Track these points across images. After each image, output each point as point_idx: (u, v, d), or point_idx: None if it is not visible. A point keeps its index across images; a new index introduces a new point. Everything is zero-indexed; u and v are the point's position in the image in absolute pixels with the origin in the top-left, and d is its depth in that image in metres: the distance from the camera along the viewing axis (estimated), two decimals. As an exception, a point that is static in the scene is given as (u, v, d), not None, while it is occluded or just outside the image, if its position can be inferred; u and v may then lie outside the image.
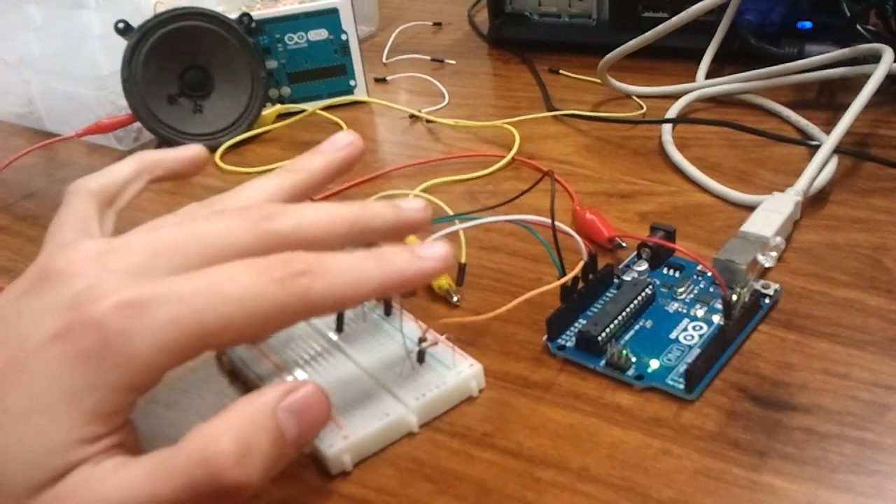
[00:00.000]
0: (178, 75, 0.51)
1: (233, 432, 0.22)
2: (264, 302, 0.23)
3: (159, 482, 0.21)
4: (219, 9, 0.51)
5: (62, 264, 0.23)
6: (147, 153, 0.32)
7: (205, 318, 0.22)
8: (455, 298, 0.34)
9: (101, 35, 0.59)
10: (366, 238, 0.27)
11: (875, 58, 0.43)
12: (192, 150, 0.32)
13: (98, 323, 0.21)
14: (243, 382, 0.31)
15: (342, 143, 0.31)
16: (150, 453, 0.22)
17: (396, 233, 0.28)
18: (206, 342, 0.22)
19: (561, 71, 0.57)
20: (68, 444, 0.21)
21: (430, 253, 0.26)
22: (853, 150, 0.42)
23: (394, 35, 0.68)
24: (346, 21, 0.55)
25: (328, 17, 0.54)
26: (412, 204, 0.28)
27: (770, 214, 0.35)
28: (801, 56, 0.49)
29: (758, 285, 0.32)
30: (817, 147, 0.39)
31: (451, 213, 0.40)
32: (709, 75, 0.52)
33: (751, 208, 0.36)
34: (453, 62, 0.63)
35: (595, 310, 0.32)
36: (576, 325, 0.31)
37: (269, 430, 0.22)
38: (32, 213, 0.47)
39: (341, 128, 0.52)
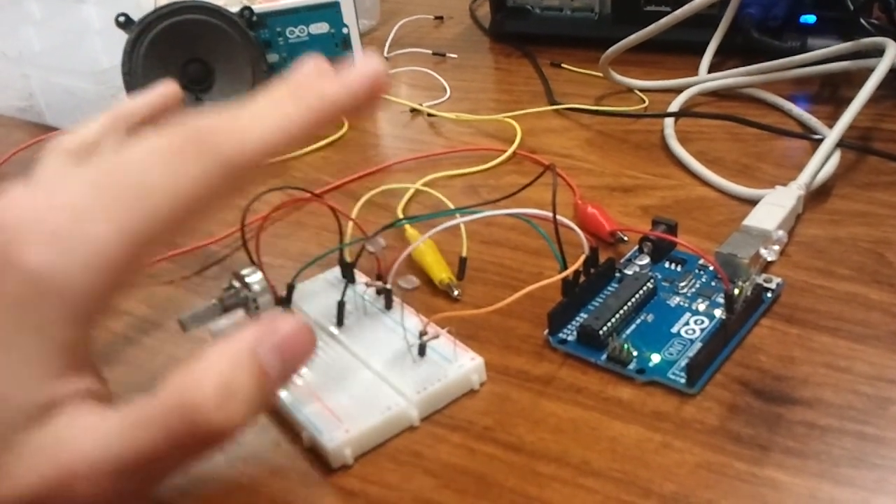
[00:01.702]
0: (179, 69, 0.51)
1: (213, 375, 0.21)
2: (184, 184, 0.22)
3: (139, 432, 0.20)
4: (220, 2, 0.51)
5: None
6: (118, 104, 0.30)
7: (129, 225, 0.22)
8: (456, 292, 0.34)
9: (101, 29, 0.59)
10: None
11: (878, 52, 0.43)
12: (161, 88, 0.30)
13: (23, 264, 0.21)
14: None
15: (367, 72, 0.26)
16: (129, 403, 0.21)
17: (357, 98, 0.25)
18: (138, 250, 0.22)
19: (563, 65, 0.57)
20: (32, 387, 0.21)
21: (363, 69, 0.25)
22: (856, 144, 0.41)
23: (395, 29, 0.68)
24: (348, 15, 0.54)
25: (329, 11, 0.54)
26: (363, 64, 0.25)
27: (772, 208, 0.35)
28: (804, 50, 0.49)
29: (760, 279, 0.32)
30: (820, 141, 0.39)
31: (452, 206, 0.40)
32: (711, 69, 0.52)
33: (753, 202, 0.36)
34: (455, 56, 0.62)
35: (596, 304, 0.32)
36: (577, 318, 0.31)
37: (251, 371, 0.21)
38: (33, 207, 0.47)
39: (342, 122, 0.52)
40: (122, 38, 0.49)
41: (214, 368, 0.21)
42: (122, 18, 0.48)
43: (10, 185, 0.24)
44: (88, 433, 0.21)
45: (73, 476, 0.20)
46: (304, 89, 0.25)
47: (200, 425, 0.20)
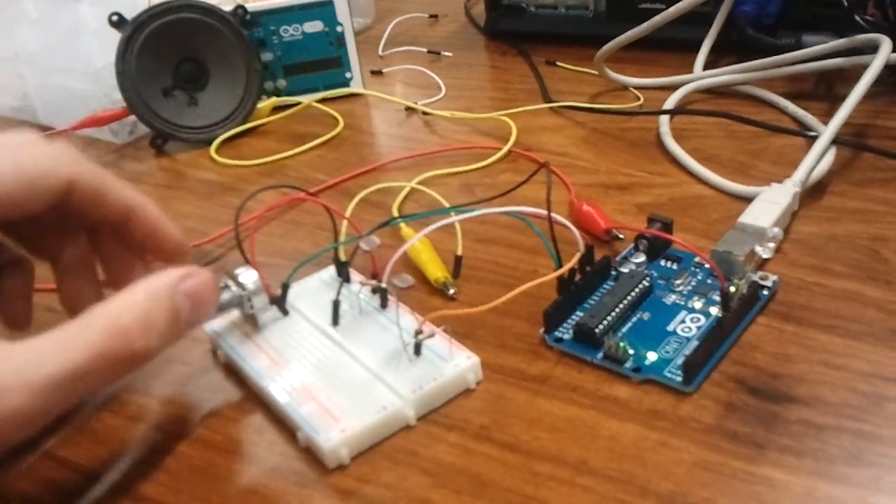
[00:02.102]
0: (173, 68, 0.51)
1: (136, 308, 0.24)
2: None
3: (74, 352, 0.23)
4: (213, 1, 0.51)
5: None
6: None
7: None
8: (451, 291, 0.34)
9: (95, 28, 0.59)
10: None
11: (873, 48, 0.43)
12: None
13: None
14: (238, 377, 0.31)
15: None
16: (53, 330, 0.23)
17: None
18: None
19: (558, 62, 0.57)
20: None
21: None
22: (851, 141, 0.41)
23: (390, 27, 0.68)
24: (342, 13, 0.54)
25: (323, 9, 0.54)
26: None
27: (768, 206, 0.35)
28: (799, 47, 0.49)
29: (756, 277, 0.32)
30: (815, 138, 0.39)
31: (447, 205, 0.40)
32: (706, 66, 0.52)
33: (749, 199, 0.36)
34: (450, 54, 0.62)
35: (592, 302, 0.32)
36: (573, 317, 0.31)
37: (167, 308, 0.25)
38: (27, 208, 0.47)
39: (337, 121, 0.52)
40: (116, 36, 0.49)
41: (138, 301, 0.24)
42: (115, 18, 0.48)
43: None
44: (15, 353, 0.22)
45: (4, 388, 0.22)
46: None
47: (125, 347, 0.23)
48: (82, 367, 0.23)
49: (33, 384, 0.22)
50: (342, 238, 0.35)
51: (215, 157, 0.49)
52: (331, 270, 0.35)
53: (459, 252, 0.35)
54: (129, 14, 0.49)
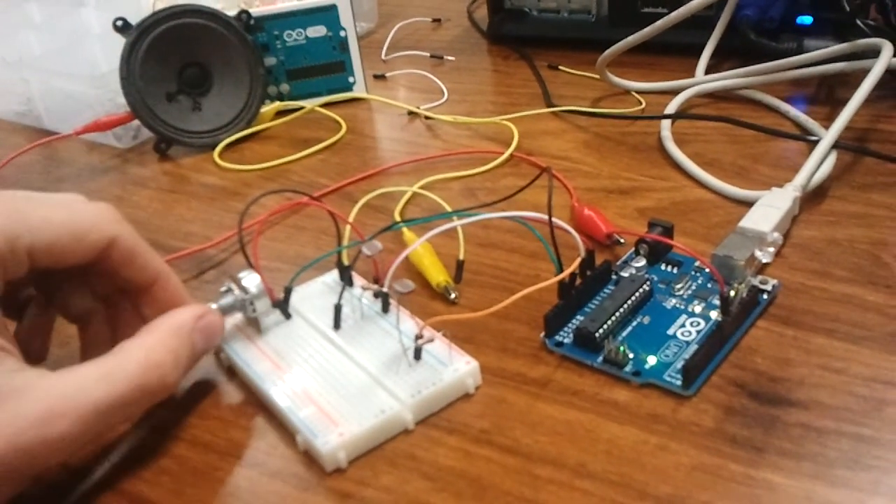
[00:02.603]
0: (177, 73, 0.51)
1: (166, 344, 0.27)
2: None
3: (116, 384, 0.25)
4: (217, 6, 0.51)
5: None
6: None
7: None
8: (453, 295, 0.34)
9: (100, 33, 0.59)
10: None
11: (874, 52, 0.43)
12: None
13: None
14: (240, 380, 0.31)
15: None
16: (93, 362, 0.25)
17: None
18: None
19: (560, 67, 0.57)
20: None
21: None
22: (852, 146, 0.42)
23: (393, 32, 0.68)
24: (345, 17, 0.54)
25: (327, 14, 0.54)
26: None
27: (768, 210, 0.35)
28: (801, 51, 0.49)
29: (756, 281, 0.32)
30: (816, 142, 0.39)
31: (449, 209, 0.40)
32: (708, 71, 0.52)
33: (749, 204, 0.36)
34: (452, 59, 0.62)
35: (593, 306, 0.32)
36: (573, 321, 0.31)
37: (188, 345, 0.28)
38: (32, 212, 0.47)
39: (340, 125, 0.52)
40: (121, 41, 0.49)
41: (165, 339, 0.27)
42: (119, 22, 0.48)
43: None
44: (57, 381, 0.24)
45: (54, 414, 0.23)
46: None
47: (159, 380, 0.26)
48: (123, 397, 0.25)
49: (80, 411, 0.24)
50: (345, 242, 0.35)
51: (219, 161, 0.49)
52: (333, 274, 0.35)
53: (461, 256, 0.36)
54: (134, 19, 0.49)
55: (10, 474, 0.23)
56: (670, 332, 0.30)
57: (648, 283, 0.32)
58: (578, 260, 0.32)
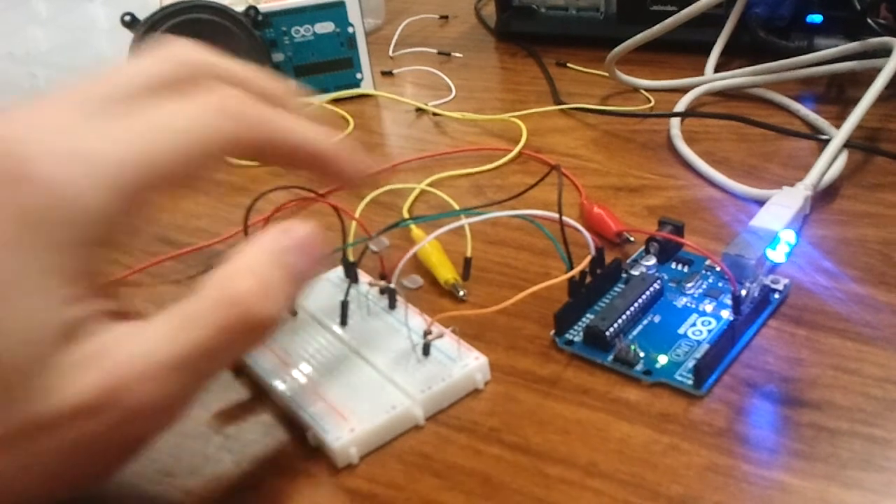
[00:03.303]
0: (184, 68, 0.51)
1: (251, 271, 0.22)
2: (210, 131, 0.23)
3: (192, 329, 0.21)
4: (225, 1, 0.51)
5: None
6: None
7: (152, 155, 0.22)
8: (461, 293, 0.34)
9: (107, 28, 0.59)
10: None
11: (886, 51, 0.43)
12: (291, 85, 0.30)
13: (39, 179, 0.20)
14: (247, 376, 0.31)
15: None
16: (170, 308, 0.22)
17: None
18: (156, 180, 0.22)
19: (568, 64, 0.57)
20: (54, 307, 0.20)
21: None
22: (863, 145, 0.41)
23: (400, 28, 0.68)
24: (353, 14, 0.54)
25: (335, 10, 0.54)
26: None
27: (779, 209, 0.34)
28: (811, 50, 0.48)
29: (767, 280, 0.32)
30: (827, 141, 0.39)
31: (457, 207, 0.40)
32: (717, 69, 0.52)
33: (760, 203, 0.36)
34: (460, 55, 0.62)
35: (603, 304, 0.32)
36: (583, 319, 0.31)
37: (280, 266, 0.23)
38: (38, 206, 0.47)
39: (348, 121, 0.52)
40: (128, 37, 0.49)
41: (250, 265, 0.23)
42: (127, 18, 0.48)
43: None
44: (134, 338, 0.21)
45: (126, 379, 0.20)
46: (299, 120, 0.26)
47: (246, 316, 0.22)
48: (205, 344, 0.21)
49: (156, 369, 0.21)
50: (351, 239, 0.35)
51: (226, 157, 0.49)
52: (338, 271, 0.35)
53: (469, 254, 0.35)
54: (141, 14, 0.49)
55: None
56: (681, 331, 0.30)
57: (659, 281, 0.32)
58: (588, 258, 0.31)
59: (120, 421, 0.21)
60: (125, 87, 0.24)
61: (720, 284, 0.32)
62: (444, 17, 0.72)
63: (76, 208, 0.21)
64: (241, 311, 0.22)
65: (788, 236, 0.33)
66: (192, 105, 0.23)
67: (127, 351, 0.21)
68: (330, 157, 0.27)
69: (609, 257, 0.33)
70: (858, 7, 0.49)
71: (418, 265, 0.35)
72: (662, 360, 0.29)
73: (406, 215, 0.40)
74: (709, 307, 0.31)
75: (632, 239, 0.36)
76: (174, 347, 0.21)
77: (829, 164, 0.38)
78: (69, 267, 0.20)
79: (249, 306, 0.22)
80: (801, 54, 0.47)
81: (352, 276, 0.34)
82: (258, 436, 0.28)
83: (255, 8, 0.51)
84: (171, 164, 0.22)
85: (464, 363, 0.29)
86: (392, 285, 0.31)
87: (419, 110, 0.53)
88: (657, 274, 0.33)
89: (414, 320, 0.30)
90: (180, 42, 0.26)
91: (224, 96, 0.24)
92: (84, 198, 0.21)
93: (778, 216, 0.34)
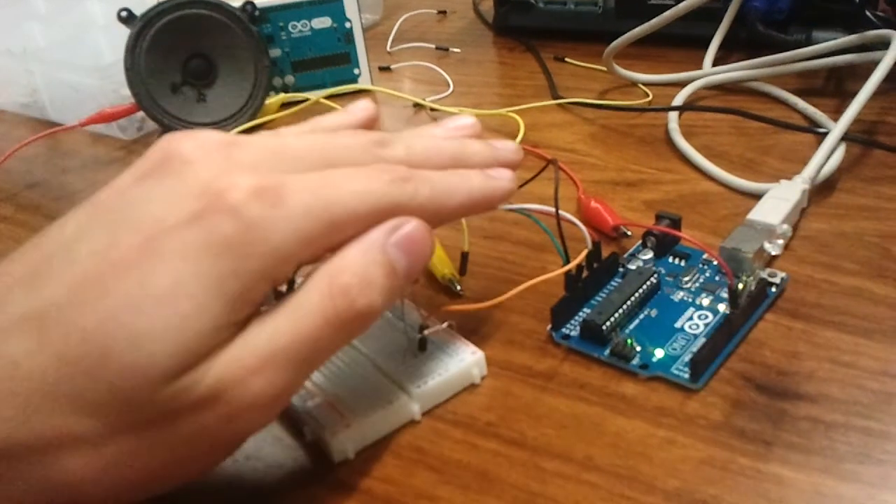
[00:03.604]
0: (182, 64, 0.51)
1: (351, 267, 0.23)
2: (380, 198, 0.24)
3: (299, 321, 0.22)
4: (222, -3, 0.51)
5: (187, 150, 0.23)
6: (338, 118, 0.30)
7: (334, 209, 0.23)
8: (458, 287, 0.34)
9: (104, 24, 0.59)
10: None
11: (884, 44, 0.43)
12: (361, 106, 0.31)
13: (236, 209, 0.22)
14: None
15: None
16: (282, 302, 0.23)
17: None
18: (333, 235, 0.23)
19: (566, 59, 0.57)
20: (211, 330, 0.21)
21: (499, 174, 0.28)
22: (861, 138, 0.41)
23: (398, 23, 0.68)
24: (350, 9, 0.54)
25: (332, 5, 0.54)
26: (507, 145, 0.30)
27: (777, 202, 0.34)
28: (809, 43, 0.48)
29: (764, 274, 0.32)
30: (825, 135, 0.39)
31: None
32: (715, 62, 0.52)
33: (757, 196, 0.36)
34: (458, 50, 0.62)
35: (599, 299, 0.32)
36: (580, 314, 0.31)
37: (381, 264, 0.24)
38: (35, 203, 0.47)
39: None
40: (125, 32, 0.49)
41: (353, 260, 0.23)
42: (124, 13, 0.48)
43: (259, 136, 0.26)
44: (255, 338, 0.22)
45: (239, 374, 0.21)
46: (466, 177, 0.27)
47: (348, 307, 0.23)
48: (312, 334, 0.22)
49: (274, 360, 0.22)
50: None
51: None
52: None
53: (466, 248, 0.35)
54: (138, 10, 0.49)
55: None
56: (678, 325, 0.30)
57: (656, 275, 0.32)
58: (585, 252, 0.31)
59: (230, 414, 0.22)
60: (324, 159, 0.25)
61: (717, 278, 0.32)
62: (442, 13, 0.72)
63: (264, 244, 0.22)
64: (343, 302, 0.23)
65: (786, 230, 0.33)
66: (369, 170, 0.25)
67: (238, 347, 0.22)
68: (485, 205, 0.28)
69: (606, 251, 0.33)
70: (856, 0, 0.49)
71: (415, 260, 0.35)
72: (659, 354, 0.29)
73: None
74: (706, 301, 0.31)
75: (629, 233, 0.36)
76: (282, 340, 0.22)
77: (827, 157, 0.38)
78: (236, 295, 0.22)
79: (351, 298, 0.23)
80: (799, 47, 0.47)
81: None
82: (255, 431, 0.28)
83: (252, 3, 0.51)
84: (349, 219, 0.24)
85: (460, 358, 0.29)
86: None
87: (417, 106, 0.53)
88: (654, 268, 0.33)
89: (410, 315, 0.30)
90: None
91: (398, 168, 0.25)
92: (273, 236, 0.22)
93: (776, 209, 0.34)
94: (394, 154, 0.26)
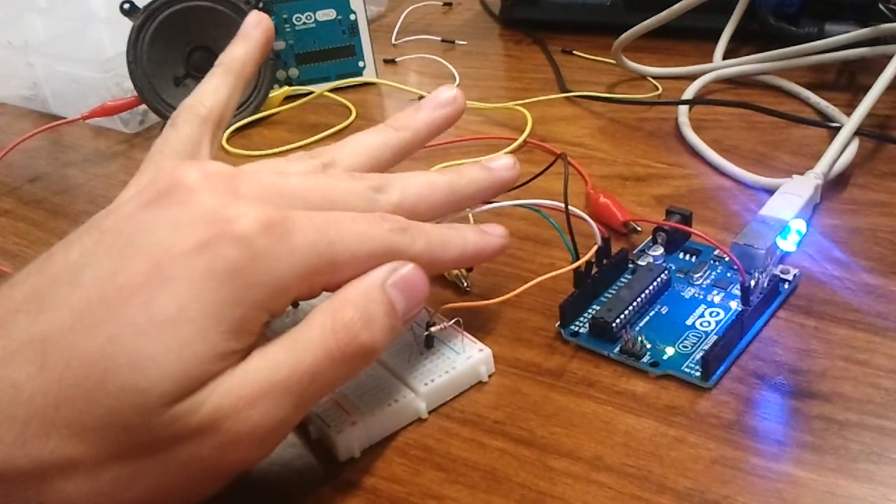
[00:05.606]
0: (184, 56, 0.50)
1: (353, 303, 0.24)
2: (379, 244, 0.25)
3: (300, 354, 0.23)
4: (225, -11, 0.50)
5: (192, 179, 0.23)
6: (226, 57, 0.32)
7: (336, 248, 0.24)
8: (465, 284, 0.33)
9: (106, 17, 0.59)
10: (461, 204, 0.29)
11: (897, 37, 0.42)
12: (254, 23, 0.32)
13: (244, 239, 0.22)
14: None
15: (444, 99, 0.32)
16: (283, 335, 0.23)
17: (490, 193, 0.30)
18: (332, 273, 0.24)
19: (574, 52, 0.57)
20: (211, 357, 0.21)
21: (493, 230, 0.29)
22: (874, 133, 0.41)
23: (403, 15, 0.67)
24: (355, 1, 0.54)
25: (337, -3, 0.53)
26: (501, 162, 0.30)
27: (789, 198, 0.34)
28: (821, 36, 0.48)
29: (776, 270, 0.31)
30: (838, 129, 0.39)
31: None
32: (726, 55, 0.51)
33: (770, 192, 0.35)
34: (464, 43, 0.62)
35: (609, 295, 0.31)
36: (589, 311, 0.31)
37: (381, 302, 0.24)
38: (37, 197, 0.47)
39: (350, 110, 0.51)
40: (127, 25, 0.48)
41: (354, 298, 0.24)
42: (126, 6, 0.48)
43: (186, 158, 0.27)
44: (244, 365, 0.22)
45: (236, 405, 0.22)
46: (462, 232, 0.28)
47: (350, 342, 0.23)
48: (313, 367, 0.23)
49: (273, 391, 0.22)
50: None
51: (226, 146, 0.49)
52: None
53: (473, 243, 0.35)
54: (141, 2, 0.48)
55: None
56: (689, 322, 0.30)
57: (666, 272, 0.31)
58: (594, 248, 0.31)
59: (225, 444, 0.22)
60: (325, 201, 0.25)
61: (729, 275, 0.32)
62: (448, 4, 0.71)
63: (267, 275, 0.22)
64: (345, 337, 0.23)
65: (798, 225, 0.33)
66: (370, 216, 0.25)
67: (238, 377, 0.22)
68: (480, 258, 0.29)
69: (615, 247, 0.33)
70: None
71: (421, 255, 0.35)
72: (669, 351, 0.28)
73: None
74: (717, 298, 0.31)
75: (639, 229, 0.35)
76: (282, 372, 0.22)
77: (840, 152, 0.37)
78: (237, 322, 0.22)
79: (354, 333, 0.23)
80: (811, 41, 0.46)
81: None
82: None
83: (256, -5, 0.51)
84: (349, 260, 0.24)
85: (468, 355, 0.28)
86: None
87: (422, 98, 0.52)
88: (664, 264, 0.32)
89: (417, 312, 0.30)
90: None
91: (397, 219, 0.26)
92: (276, 267, 0.22)
93: (788, 205, 0.33)
94: (389, 200, 0.27)
